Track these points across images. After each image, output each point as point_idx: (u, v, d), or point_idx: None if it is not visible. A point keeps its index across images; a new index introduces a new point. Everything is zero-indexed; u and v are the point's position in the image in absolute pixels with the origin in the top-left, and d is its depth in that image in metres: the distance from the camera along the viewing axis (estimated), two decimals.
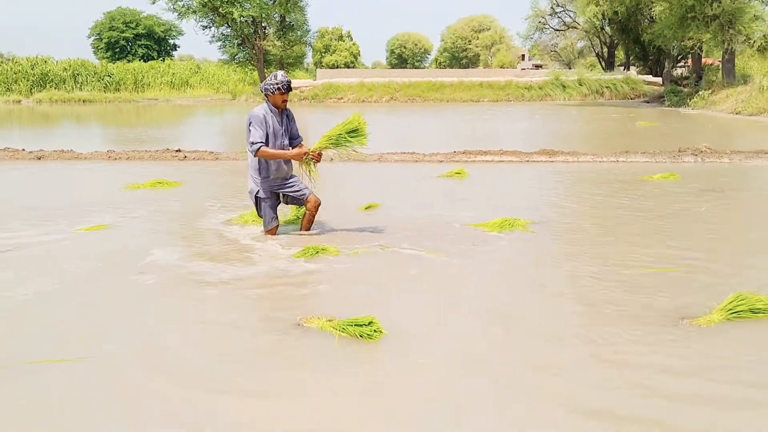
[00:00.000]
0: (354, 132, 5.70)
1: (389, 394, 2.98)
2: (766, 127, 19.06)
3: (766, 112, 22.33)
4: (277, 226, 5.84)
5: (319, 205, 5.84)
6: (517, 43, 78.71)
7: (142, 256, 5.19)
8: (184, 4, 41.92)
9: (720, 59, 34.09)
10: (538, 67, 60.00)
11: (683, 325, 3.73)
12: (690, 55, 38.76)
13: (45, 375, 3.16)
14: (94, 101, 41.23)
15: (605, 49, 51.87)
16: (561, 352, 3.39)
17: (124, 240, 5.80)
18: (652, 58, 45.19)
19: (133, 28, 68.89)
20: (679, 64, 46.18)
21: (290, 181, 5.79)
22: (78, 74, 45.73)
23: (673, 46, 39.09)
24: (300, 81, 41.64)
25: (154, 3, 41.66)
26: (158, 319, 3.96)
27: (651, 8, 35.98)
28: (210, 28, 44.22)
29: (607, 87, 39.86)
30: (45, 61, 46.06)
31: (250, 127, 5.51)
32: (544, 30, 55.27)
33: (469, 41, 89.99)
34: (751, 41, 28.03)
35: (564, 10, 53.34)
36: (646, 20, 41.31)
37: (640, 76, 42.13)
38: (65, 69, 45.62)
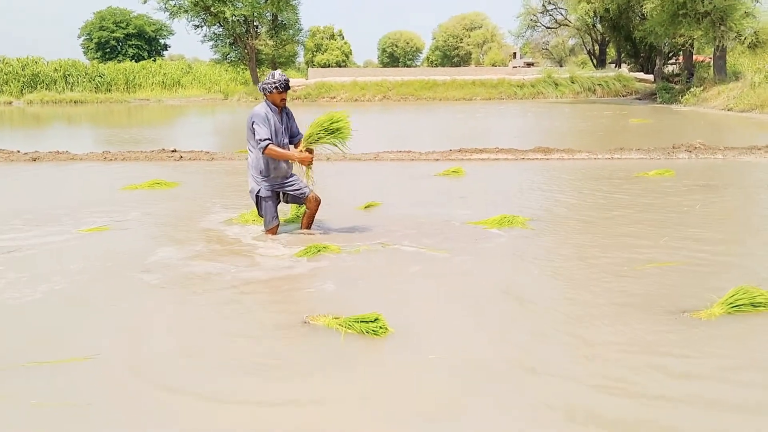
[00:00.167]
0: (336, 131, 5.64)
1: (397, 390, 3.01)
2: (758, 124, 19.19)
3: (757, 108, 22.49)
4: (278, 225, 5.86)
5: (320, 203, 5.87)
6: (508, 41, 78.88)
7: (146, 256, 5.21)
8: (175, 4, 41.89)
9: (711, 56, 34.29)
10: (529, 65, 60.19)
11: (684, 318, 3.78)
12: (681, 52, 38.95)
13: (53, 375, 3.17)
14: (86, 102, 41.06)
15: (596, 47, 52.03)
16: (564, 348, 3.43)
17: (127, 241, 5.81)
18: (643, 56, 45.37)
19: (123, 28, 68.65)
20: (670, 62, 46.39)
21: (290, 179, 5.82)
22: (69, 75, 45.53)
23: (665, 43, 39.29)
24: (292, 80, 41.38)
25: (145, 2, 41.65)
26: (165, 318, 3.98)
27: (642, 5, 36.09)
28: (202, 27, 44.20)
29: (599, 84, 40.01)
30: (36, 62, 45.81)
31: (254, 126, 5.52)
32: (535, 28, 55.36)
33: (461, 39, 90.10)
34: (742, 38, 28.17)
35: (555, 8, 53.44)
36: (637, 17, 41.46)
37: (631, 74, 42.32)
38: (56, 70, 45.40)
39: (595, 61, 52.01)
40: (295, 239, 5.68)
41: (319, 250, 5.24)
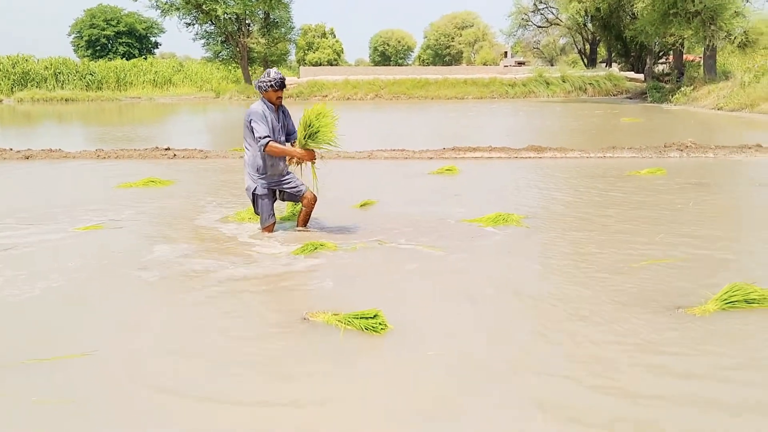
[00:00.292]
0: (319, 131, 5.53)
1: (397, 388, 3.04)
2: (748, 123, 19.33)
3: (747, 107, 22.66)
4: (274, 222, 5.88)
5: (316, 201, 5.89)
6: (500, 40, 79.04)
7: (143, 254, 5.22)
8: (167, 1, 41.77)
9: (701, 55, 34.48)
10: (520, 64, 60.35)
11: (679, 314, 3.83)
12: (671, 52, 39.15)
13: (52, 372, 3.19)
14: (77, 100, 40.89)
15: (587, 46, 52.24)
16: (561, 345, 3.46)
17: (123, 239, 5.82)
18: (633, 55, 45.59)
19: (114, 26, 68.37)
20: (661, 61, 46.63)
21: (287, 177, 5.83)
22: (60, 73, 45.31)
23: (655, 43, 39.49)
24: None
25: (136, 0, 41.37)
26: (163, 316, 3.99)
27: (633, 5, 36.27)
28: (193, 25, 44.10)
29: (590, 84, 40.22)
30: (26, 60, 45.54)
31: (252, 124, 5.53)
32: (526, 27, 55.51)
33: (452, 38, 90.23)
34: (732, 37, 28.37)
35: (547, 7, 53.59)
36: (628, 17, 41.64)
37: (622, 73, 42.54)
38: (47, 68, 45.17)
39: (585, 60, 52.21)
40: (291, 237, 5.70)
41: (315, 248, 5.26)
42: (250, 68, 45.36)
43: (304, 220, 5.98)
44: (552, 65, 54.94)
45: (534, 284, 4.47)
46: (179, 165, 10.64)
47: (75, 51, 69.99)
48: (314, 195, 5.85)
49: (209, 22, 43.51)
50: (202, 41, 45.63)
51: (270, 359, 3.33)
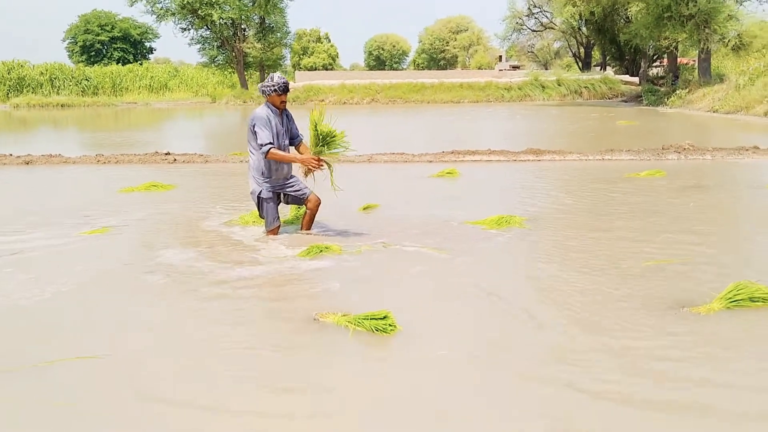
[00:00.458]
0: (332, 137, 5.60)
1: (409, 389, 3.08)
2: (744, 125, 19.45)
3: (742, 110, 22.79)
4: (279, 226, 5.92)
5: (320, 204, 5.93)
6: (494, 44, 79.34)
7: (151, 258, 5.25)
8: (162, 6, 41.79)
9: (694, 59, 34.68)
10: (515, 68, 60.56)
11: (684, 313, 3.88)
12: (666, 55, 39.40)
13: (60, 374, 3.21)
14: (73, 105, 40.83)
15: (582, 50, 52.47)
16: (568, 346, 3.50)
17: (129, 242, 5.85)
18: (628, 58, 45.82)
19: (108, 31, 68.39)
20: (655, 64, 46.88)
21: (291, 180, 5.87)
22: (55, 78, 45.37)
23: (649, 46, 39.72)
24: None
25: (132, 5, 41.45)
26: (173, 319, 4.01)
27: (627, 8, 36.53)
28: (189, 30, 44.13)
29: (585, 87, 40.38)
30: (21, 66, 45.58)
31: (255, 129, 5.57)
32: (521, 31, 55.86)
33: (447, 43, 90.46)
34: (726, 40, 28.56)
35: (541, 11, 53.91)
36: (622, 20, 41.91)
37: (617, 76, 42.72)
38: (42, 73, 45.21)
39: (580, 63, 52.44)
40: (296, 240, 5.74)
41: (321, 251, 5.29)
42: (245, 73, 45.41)
43: (309, 223, 6.01)
44: (546, 69, 55.18)
45: (539, 285, 4.51)
46: (180, 169, 10.67)
47: (70, 56, 70.00)
48: (318, 198, 5.89)
49: (205, 27, 43.57)
50: (198, 46, 45.71)
51: (284, 359, 3.36)
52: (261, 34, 44.35)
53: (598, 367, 3.19)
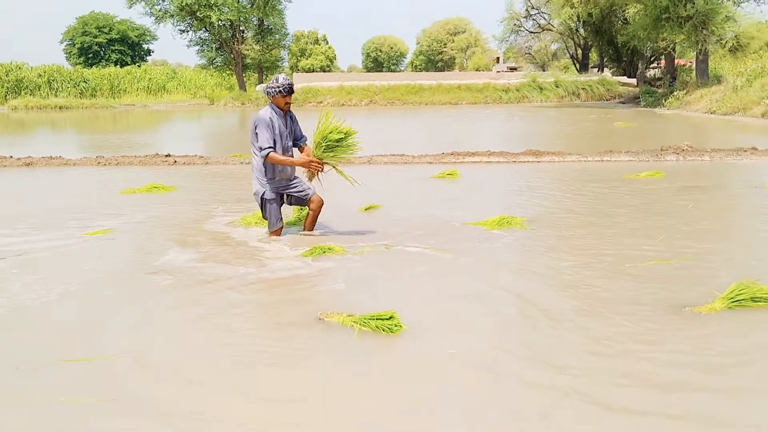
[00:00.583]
0: (341, 140, 5.69)
1: (416, 388, 3.11)
2: (742, 126, 19.52)
3: (740, 111, 22.86)
4: (282, 227, 5.95)
5: (323, 204, 5.96)
6: (492, 45, 79.45)
7: (155, 259, 5.28)
8: (161, 8, 41.83)
9: (691, 60, 34.78)
10: (513, 69, 60.59)
11: (686, 313, 3.92)
12: (663, 56, 39.49)
13: (66, 374, 3.25)
14: (71, 107, 40.80)
15: (579, 51, 52.58)
16: (573, 345, 3.54)
17: (133, 243, 5.87)
18: (625, 60, 45.92)
19: (106, 33, 68.37)
20: (652, 66, 46.98)
21: (294, 181, 5.91)
22: (53, 80, 45.33)
23: (647, 48, 39.84)
24: None
25: (131, 7, 41.48)
26: (180, 318, 4.04)
27: (625, 10, 36.64)
28: (187, 32, 44.18)
29: (583, 88, 40.46)
30: (19, 68, 45.54)
31: (257, 131, 5.61)
32: (519, 32, 55.98)
33: (445, 44, 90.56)
34: (723, 42, 28.67)
35: (539, 13, 54.04)
36: (619, 22, 42.02)
37: (614, 78, 42.81)
38: (40, 75, 45.18)
39: (577, 65, 52.56)
40: (299, 240, 5.77)
41: (324, 251, 5.33)
42: (244, 75, 45.45)
43: (312, 224, 6.04)
44: (544, 70, 55.27)
45: (543, 285, 4.54)
46: (181, 171, 10.70)
47: (67, 58, 69.98)
48: (321, 199, 5.93)
49: (203, 29, 43.63)
50: (197, 48, 45.75)
51: (286, 359, 3.39)
52: (259, 36, 44.42)
53: (601, 368, 3.22)
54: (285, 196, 5.97)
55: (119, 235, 6.14)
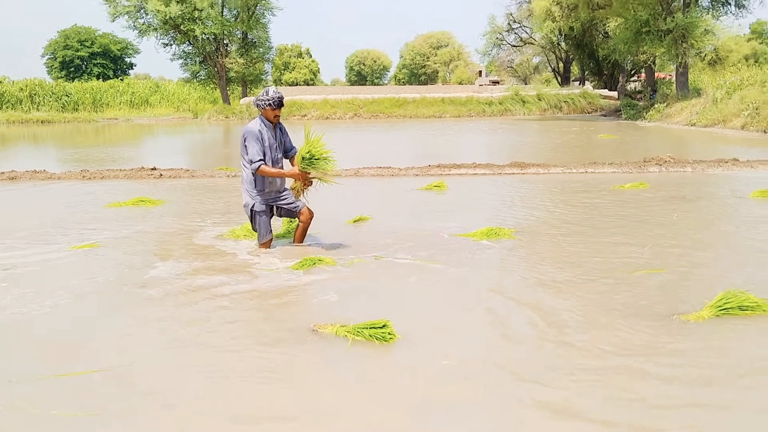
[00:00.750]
0: (317, 158, 5.64)
1: (412, 395, 3.13)
2: (722, 138, 19.80)
3: (720, 123, 23.19)
4: (272, 239, 5.95)
5: (312, 216, 5.97)
6: (474, 59, 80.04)
7: (144, 272, 5.26)
8: (144, 22, 41.75)
9: (671, 73, 35.26)
10: (495, 83, 61.03)
11: (674, 321, 3.97)
12: (643, 70, 40.03)
13: (58, 387, 3.23)
14: (53, 121, 40.51)
15: (561, 65, 53.13)
16: (562, 353, 3.57)
17: (122, 257, 5.84)
18: (606, 73, 46.50)
19: (88, 47, 68.12)
20: (633, 79, 47.58)
21: (284, 193, 5.92)
22: (35, 94, 44.99)
23: (627, 61, 40.36)
24: None
25: (113, 21, 41.38)
26: (170, 332, 4.01)
27: (606, 24, 37.12)
28: (171, 45, 44.12)
29: (565, 101, 40.89)
30: (0, 82, 45.18)
31: (246, 144, 5.62)
32: (501, 46, 56.40)
33: (428, 58, 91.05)
34: (703, 54, 29.12)
35: (521, 26, 54.53)
36: (600, 36, 42.56)
37: (596, 91, 43.31)
38: (22, 89, 44.83)
39: (559, 78, 53.07)
40: (289, 252, 5.77)
41: (314, 263, 5.34)
42: (228, 88, 45.42)
43: (301, 236, 6.05)
44: (526, 84, 55.73)
45: (532, 295, 4.57)
46: (167, 185, 10.66)
47: (48, 72, 69.60)
48: (311, 211, 5.94)
49: (187, 42, 43.59)
50: (180, 62, 45.66)
51: (280, 372, 3.39)
52: (243, 50, 44.45)
53: (591, 377, 3.25)
54: (275, 208, 5.97)
55: (107, 249, 6.10)
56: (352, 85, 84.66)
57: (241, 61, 43.43)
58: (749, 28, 67.68)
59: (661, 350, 3.54)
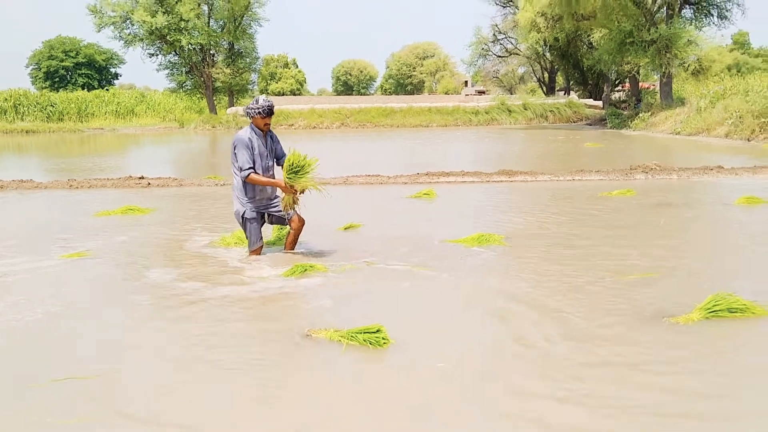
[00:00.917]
0: (301, 171, 5.60)
1: (406, 399, 3.15)
2: (706, 146, 20.01)
3: (704, 132, 23.45)
4: (263, 246, 5.96)
5: (304, 224, 5.98)
6: (460, 69, 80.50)
7: (135, 280, 5.24)
8: (130, 32, 41.65)
9: (654, 83, 35.65)
10: (481, 93, 61.40)
11: (664, 324, 4.02)
12: (628, 79, 40.44)
13: (51, 394, 3.22)
14: (38, 132, 40.19)
15: (546, 75, 53.54)
16: (554, 356, 3.60)
17: (113, 265, 5.81)
18: (591, 83, 46.93)
19: (73, 57, 67.88)
20: (617, 88, 48.02)
21: (275, 201, 5.93)
22: (20, 104, 44.65)
23: (612, 71, 40.77)
24: None
25: (99, 31, 41.25)
26: (163, 340, 4.00)
27: (590, 35, 37.51)
28: (157, 55, 44.01)
29: (550, 111, 41.18)
30: None
31: (236, 151, 5.64)
32: (486, 56, 56.74)
33: (414, 68, 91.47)
34: (686, 65, 29.47)
35: (506, 37, 54.91)
36: (585, 46, 42.99)
37: (581, 100, 43.66)
38: (6, 99, 44.49)
39: (544, 88, 53.47)
40: (280, 260, 5.77)
41: (305, 270, 5.34)
42: (214, 98, 45.36)
43: (292, 243, 6.06)
44: (511, 93, 56.08)
45: (523, 300, 4.61)
46: (155, 193, 10.63)
47: (33, 82, 69.27)
48: (302, 218, 5.95)
49: (173, 52, 43.53)
50: (166, 72, 45.57)
51: (274, 377, 3.40)
52: (230, 60, 44.45)
53: (583, 380, 3.28)
54: (266, 216, 5.98)
55: (98, 257, 6.07)
56: (338, 95, 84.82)
57: (228, 71, 43.43)
58: (731, 38, 68.47)
59: (651, 353, 3.58)
